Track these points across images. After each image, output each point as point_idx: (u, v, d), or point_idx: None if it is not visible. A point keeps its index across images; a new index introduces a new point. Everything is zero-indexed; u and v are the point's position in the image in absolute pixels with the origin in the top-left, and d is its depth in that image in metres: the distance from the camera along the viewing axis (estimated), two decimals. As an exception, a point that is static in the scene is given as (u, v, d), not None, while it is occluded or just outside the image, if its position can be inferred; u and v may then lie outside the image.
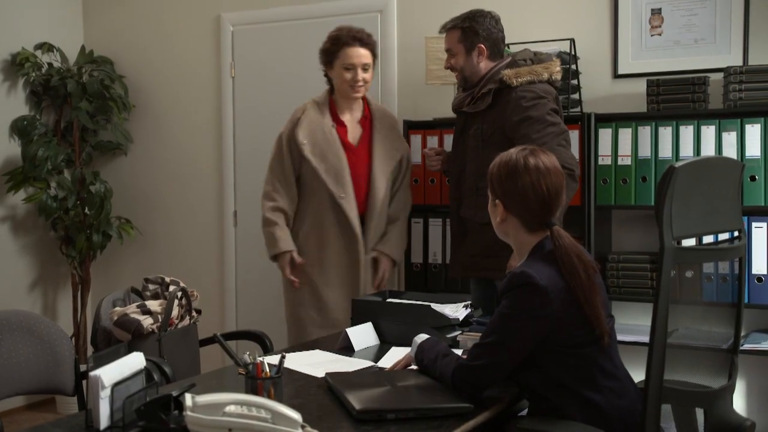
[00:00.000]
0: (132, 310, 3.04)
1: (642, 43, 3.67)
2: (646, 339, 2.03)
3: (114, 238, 4.74)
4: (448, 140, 3.64)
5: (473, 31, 3.21)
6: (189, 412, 1.63)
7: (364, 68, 3.50)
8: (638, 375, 2.14)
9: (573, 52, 3.56)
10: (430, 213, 3.84)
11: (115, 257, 4.92)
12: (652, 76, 3.55)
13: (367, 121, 3.61)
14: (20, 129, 4.59)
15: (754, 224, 3.23)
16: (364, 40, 3.51)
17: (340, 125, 3.57)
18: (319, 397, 2.14)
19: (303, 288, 3.54)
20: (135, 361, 1.90)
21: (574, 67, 3.56)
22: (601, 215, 3.54)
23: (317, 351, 2.70)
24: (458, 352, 2.32)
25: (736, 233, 2.33)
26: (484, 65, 3.23)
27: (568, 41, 3.56)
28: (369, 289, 3.52)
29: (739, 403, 3.39)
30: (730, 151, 3.28)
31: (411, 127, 3.89)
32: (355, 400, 1.99)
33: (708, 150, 3.32)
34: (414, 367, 2.33)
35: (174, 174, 4.82)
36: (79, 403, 2.72)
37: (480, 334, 2.19)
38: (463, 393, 2.09)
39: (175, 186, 4.81)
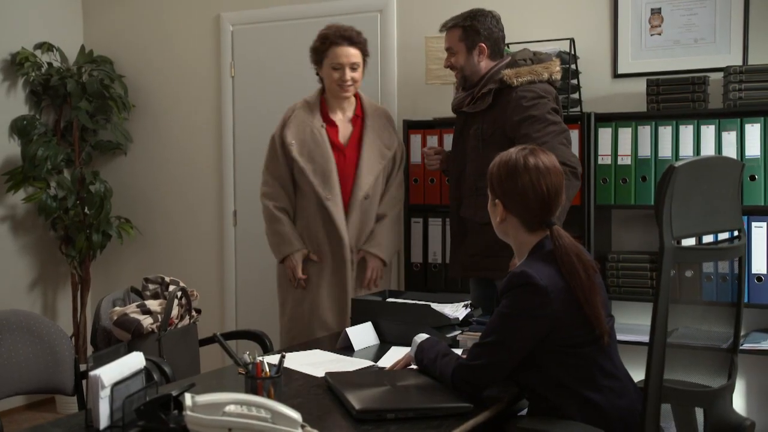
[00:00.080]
0: (132, 309, 3.04)
1: (642, 43, 3.67)
2: (645, 339, 2.03)
3: (114, 237, 4.74)
4: (448, 140, 3.64)
5: (474, 30, 3.20)
6: (189, 412, 1.62)
7: (353, 67, 3.46)
8: (638, 375, 2.14)
9: (573, 52, 3.56)
10: (430, 213, 3.84)
11: (115, 257, 4.92)
12: (652, 75, 3.55)
13: (359, 119, 3.58)
14: (20, 129, 4.59)
15: (753, 224, 3.23)
16: (353, 38, 3.47)
17: (331, 125, 3.54)
18: (319, 396, 2.14)
19: (301, 288, 3.53)
20: (135, 361, 1.90)
21: (573, 66, 3.56)
22: (600, 215, 3.54)
23: (317, 351, 2.70)
24: (458, 351, 2.32)
25: (735, 233, 2.33)
26: (485, 64, 3.23)
27: (568, 41, 3.56)
28: (358, 289, 3.50)
29: (738, 402, 3.40)
30: (729, 150, 3.28)
31: (411, 126, 3.88)
32: (355, 399, 1.99)
33: (708, 150, 3.32)
34: (414, 366, 2.33)
35: (174, 174, 4.81)
36: (78, 403, 2.72)
37: (480, 334, 2.19)
38: (462, 393, 2.09)
39: (175, 186, 4.81)
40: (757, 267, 3.23)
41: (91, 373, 1.77)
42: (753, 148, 3.26)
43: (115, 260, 4.94)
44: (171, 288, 3.24)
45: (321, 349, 2.71)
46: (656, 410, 1.94)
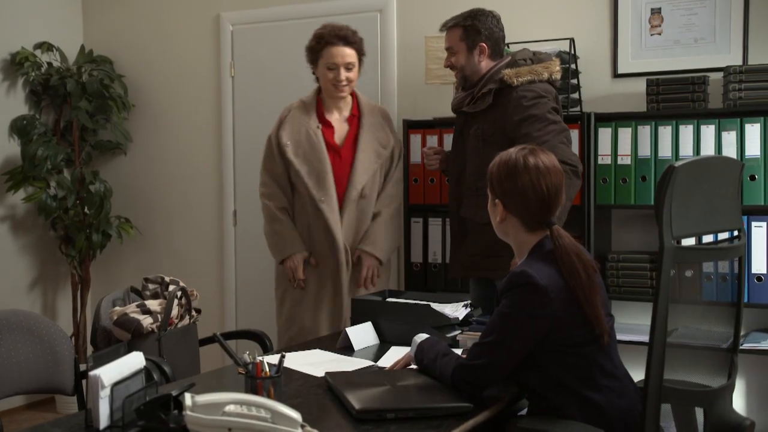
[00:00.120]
0: (132, 309, 3.04)
1: (642, 43, 3.67)
2: (645, 338, 2.03)
3: (114, 237, 4.74)
4: (448, 140, 3.63)
5: (475, 30, 3.20)
6: (188, 412, 1.62)
7: (348, 67, 3.45)
8: (638, 374, 2.14)
9: (573, 52, 3.56)
10: (430, 213, 3.84)
11: (115, 257, 4.92)
12: (652, 75, 3.55)
13: (356, 118, 3.56)
14: (20, 128, 4.58)
15: (753, 224, 3.23)
16: (349, 38, 3.45)
17: (327, 126, 3.53)
18: (318, 396, 2.14)
19: (299, 288, 3.53)
20: (134, 361, 1.90)
21: (573, 66, 3.56)
22: (600, 215, 3.54)
23: (317, 350, 2.70)
24: (458, 351, 2.32)
25: (735, 233, 2.33)
26: (485, 64, 3.23)
27: (568, 41, 3.56)
28: (355, 289, 3.49)
29: (738, 402, 3.40)
30: (729, 150, 3.28)
31: (411, 126, 3.88)
32: (355, 399, 1.99)
33: (708, 149, 3.32)
34: (414, 366, 2.33)
35: (173, 173, 4.81)
36: (78, 403, 2.72)
37: (480, 334, 2.19)
38: (462, 392, 2.09)
39: (175, 185, 4.81)
40: (757, 267, 3.23)
41: (91, 373, 1.77)
42: (753, 148, 3.26)
43: (115, 260, 4.94)
44: (171, 288, 3.24)
45: (321, 349, 2.71)
46: (656, 410, 1.94)
